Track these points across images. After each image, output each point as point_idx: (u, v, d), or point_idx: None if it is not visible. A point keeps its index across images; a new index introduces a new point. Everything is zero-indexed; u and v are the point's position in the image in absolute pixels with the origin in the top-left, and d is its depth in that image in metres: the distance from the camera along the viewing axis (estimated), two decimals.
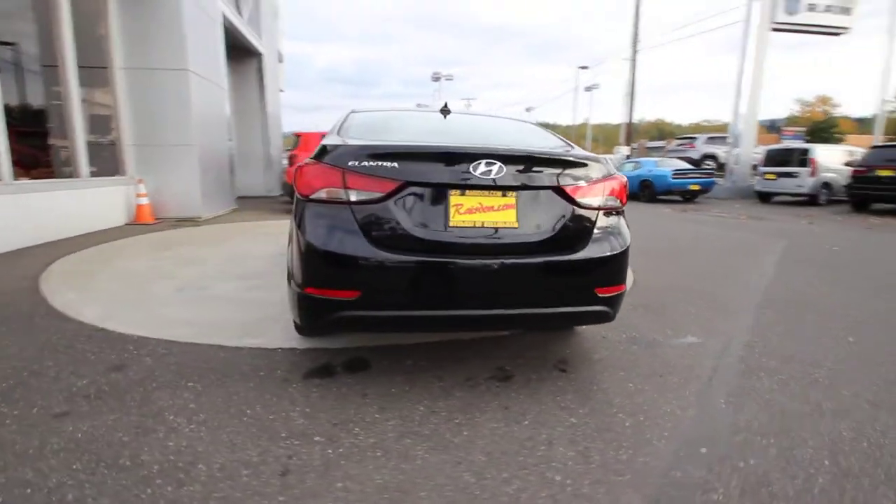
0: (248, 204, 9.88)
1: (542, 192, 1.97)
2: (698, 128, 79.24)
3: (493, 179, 1.87)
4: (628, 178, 2.84)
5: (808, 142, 20.36)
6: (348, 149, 1.91)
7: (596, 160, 2.07)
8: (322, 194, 1.89)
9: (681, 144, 20.82)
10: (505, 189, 1.92)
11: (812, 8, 13.13)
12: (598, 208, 2.05)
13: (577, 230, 2.00)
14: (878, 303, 3.55)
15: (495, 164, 1.87)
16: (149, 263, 4.43)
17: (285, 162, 9.37)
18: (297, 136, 8.66)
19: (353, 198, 1.86)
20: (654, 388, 2.15)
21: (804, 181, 11.99)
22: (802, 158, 12.17)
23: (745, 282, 4.20)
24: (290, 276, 2.10)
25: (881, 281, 4.31)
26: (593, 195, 2.03)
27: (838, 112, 63.06)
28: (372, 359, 2.38)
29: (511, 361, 2.39)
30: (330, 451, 1.63)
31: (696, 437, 1.77)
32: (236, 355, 2.40)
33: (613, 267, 2.03)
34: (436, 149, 1.96)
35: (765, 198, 13.20)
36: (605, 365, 2.39)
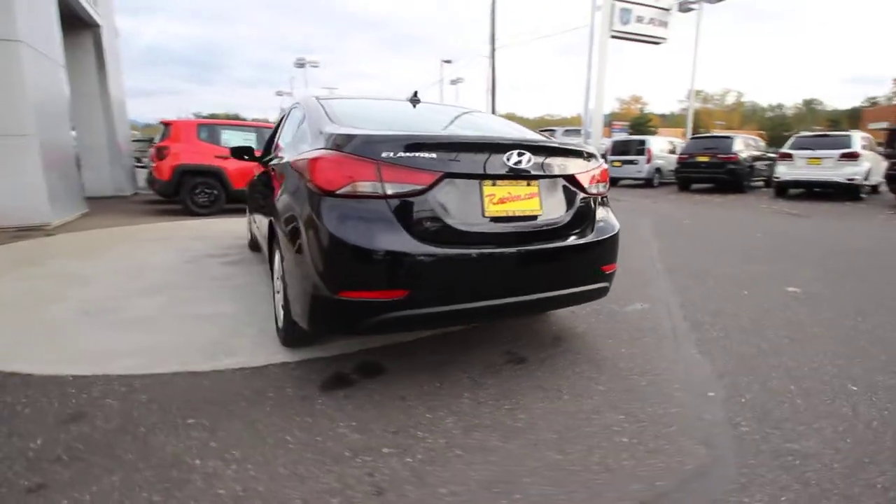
0: (100, 206, 8.21)
1: (558, 180, 2.08)
2: (542, 121, 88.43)
3: (525, 169, 1.93)
4: None
5: (630, 134, 24.22)
6: (382, 139, 1.78)
7: (593, 151, 2.26)
8: (352, 188, 1.74)
9: (542, 132, 22.90)
10: (530, 178, 1.99)
11: (640, 20, 15.60)
12: (598, 194, 2.25)
13: (585, 215, 2.17)
14: (746, 266, 4.49)
15: (525, 154, 1.93)
16: (19, 285, 3.46)
17: (146, 156, 7.96)
18: (166, 124, 7.44)
19: (390, 191, 1.75)
20: (641, 350, 2.45)
21: (642, 167, 14.30)
22: (640, 148, 14.50)
23: (641, 254, 4.93)
24: (299, 281, 1.89)
25: (737, 247, 5.44)
26: (595, 182, 2.22)
27: (647, 109, 76.02)
28: (381, 361, 2.27)
29: (514, 344, 2.49)
30: (409, 459, 1.55)
31: (698, 384, 2.10)
32: (221, 380, 2.07)
33: (613, 246, 2.26)
34: (474, 140, 1.95)
35: (613, 182, 15.42)
36: (592, 335, 2.64)
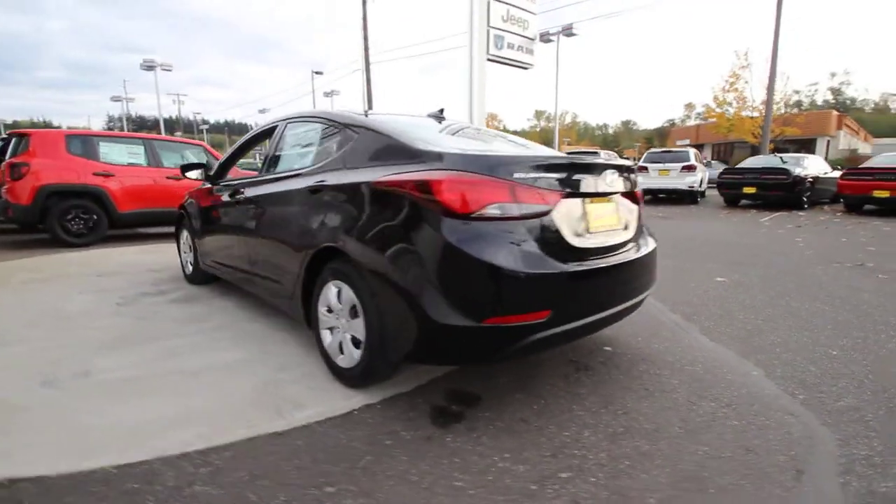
0: None
1: (625, 196, 2.27)
2: None
3: (616, 188, 2.07)
4: None
5: None
6: (514, 160, 1.75)
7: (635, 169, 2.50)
8: (489, 210, 1.68)
9: None
10: (611, 195, 2.14)
11: (511, 46, 17.10)
12: (641, 206, 2.50)
13: (642, 227, 2.40)
14: (668, 262, 5.28)
15: (615, 173, 2.07)
16: None
17: None
18: (23, 135, 5.89)
19: (524, 212, 1.73)
20: (668, 343, 2.77)
21: None
22: None
23: None
24: (415, 313, 1.74)
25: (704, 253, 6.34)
26: (641, 196, 2.46)
27: (503, 126, 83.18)
28: (465, 388, 2.19)
29: (572, 354, 2.60)
30: (593, 479, 1.56)
31: (737, 365, 2.45)
32: (316, 437, 1.79)
33: (656, 255, 2.53)
34: (586, 160, 2.02)
35: None
36: (623, 336, 2.89)
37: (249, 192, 2.91)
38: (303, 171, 2.50)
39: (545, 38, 19.11)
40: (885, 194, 9.00)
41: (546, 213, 1.79)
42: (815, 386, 2.23)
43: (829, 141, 30.02)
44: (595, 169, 2.03)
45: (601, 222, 2.06)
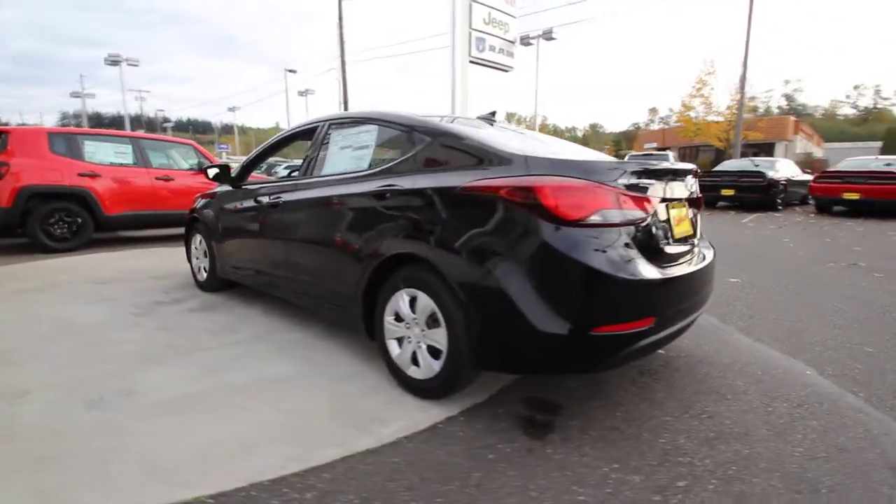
0: None
1: (690, 201, 2.29)
2: None
3: (694, 194, 2.08)
4: None
5: None
6: (615, 166, 1.73)
7: None
8: (597, 217, 1.65)
9: None
10: (684, 201, 2.15)
11: (492, 49, 17.20)
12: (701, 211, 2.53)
13: (701, 232, 2.43)
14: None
15: (691, 178, 2.08)
16: None
17: None
18: (1, 133, 5.44)
19: (628, 218, 1.71)
20: (714, 347, 2.81)
21: None
22: None
23: None
24: (515, 323, 1.69)
25: None
26: (702, 202, 2.49)
27: None
28: (544, 397, 2.14)
29: None
30: (710, 486, 1.55)
31: (791, 366, 2.52)
32: (411, 454, 1.71)
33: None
34: (675, 168, 2.01)
35: None
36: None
37: (290, 196, 2.77)
38: (359, 174, 2.40)
39: (525, 41, 19.33)
40: (854, 196, 9.54)
41: (644, 220, 1.77)
42: (868, 383, 2.32)
43: (786, 145, 31.63)
44: (677, 174, 2.03)
45: (680, 228, 2.06)
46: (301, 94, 30.78)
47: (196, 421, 1.91)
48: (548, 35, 19.97)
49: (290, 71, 29.01)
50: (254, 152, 3.47)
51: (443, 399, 2.06)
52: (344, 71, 26.79)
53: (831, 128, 55.32)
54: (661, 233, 1.86)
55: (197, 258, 3.96)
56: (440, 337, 1.95)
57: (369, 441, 1.77)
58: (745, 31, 15.87)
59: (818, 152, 37.19)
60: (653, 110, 72.28)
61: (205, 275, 3.84)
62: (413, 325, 2.07)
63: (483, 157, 1.93)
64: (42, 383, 2.20)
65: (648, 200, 1.81)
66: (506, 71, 18.69)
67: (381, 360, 2.27)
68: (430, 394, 2.05)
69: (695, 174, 2.30)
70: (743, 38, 16.97)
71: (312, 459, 1.65)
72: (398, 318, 2.14)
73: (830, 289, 4.13)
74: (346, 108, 27.38)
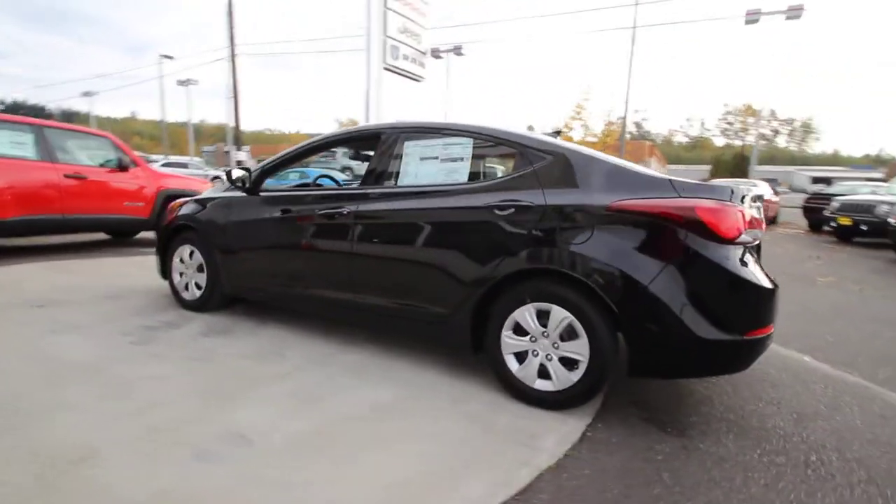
0: None
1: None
2: (262, 136, 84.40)
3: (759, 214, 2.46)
4: None
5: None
6: (739, 190, 1.98)
7: None
8: (744, 236, 1.91)
9: (323, 155, 22.00)
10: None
11: (406, 58, 17.39)
12: None
13: None
14: None
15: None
16: None
17: None
18: None
19: (753, 236, 1.99)
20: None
21: None
22: None
23: None
24: (687, 329, 1.84)
25: None
26: None
27: None
28: (644, 399, 2.33)
29: None
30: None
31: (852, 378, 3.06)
32: (592, 464, 1.77)
33: None
34: (758, 192, 2.32)
35: None
36: None
37: (358, 207, 2.57)
38: (458, 187, 2.36)
39: (435, 54, 19.85)
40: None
41: (759, 238, 2.07)
42: None
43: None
44: (757, 198, 2.39)
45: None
46: (181, 83, 27.27)
47: (349, 460, 1.71)
48: (457, 51, 20.79)
49: (167, 57, 25.58)
50: (275, 158, 3.12)
51: (570, 409, 2.13)
52: (234, 61, 24.53)
53: (670, 152, 66.14)
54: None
55: (182, 273, 3.41)
56: (579, 348, 2.02)
57: (543, 457, 1.78)
58: (627, 67, 18.35)
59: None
60: (529, 128, 78.81)
61: (197, 292, 3.32)
62: (540, 338, 2.11)
63: (617, 177, 2.06)
64: (103, 437, 1.76)
65: (758, 221, 2.12)
66: (418, 81, 19.00)
67: (479, 374, 2.26)
68: (560, 405, 2.11)
69: None
70: (615, 72, 19.59)
71: (514, 483, 1.61)
72: (519, 332, 2.16)
73: (837, 306, 5.05)
74: (236, 104, 25.02)
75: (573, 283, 2.03)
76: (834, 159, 62.13)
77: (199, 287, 3.32)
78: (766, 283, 1.94)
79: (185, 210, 3.42)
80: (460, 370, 2.51)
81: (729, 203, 1.91)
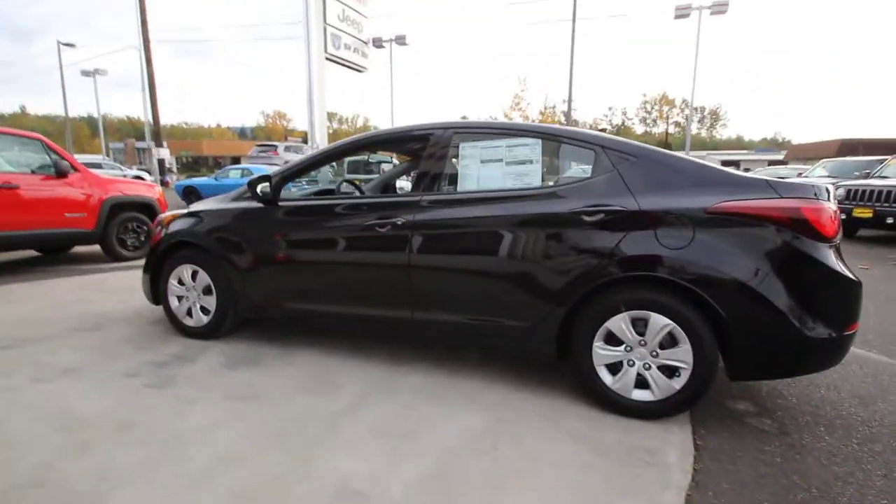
0: None
1: None
2: (178, 129, 77.85)
3: None
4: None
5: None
6: (829, 189, 2.00)
7: None
8: (839, 234, 1.94)
9: (263, 151, 20.53)
10: None
11: (347, 48, 16.50)
12: None
13: None
14: None
15: None
16: None
17: None
18: None
19: (840, 235, 2.03)
20: None
21: None
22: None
23: None
24: (796, 329, 1.86)
25: None
26: None
27: (291, 125, 78.88)
28: (721, 400, 2.35)
29: None
30: None
31: None
32: (737, 476, 1.73)
33: None
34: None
35: None
36: None
37: (415, 217, 2.33)
38: (532, 191, 2.21)
39: (378, 44, 19.24)
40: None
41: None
42: None
43: None
44: None
45: None
46: (86, 73, 23.99)
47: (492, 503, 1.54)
48: (401, 41, 20.19)
49: (67, 45, 22.34)
50: (298, 162, 2.76)
51: (666, 418, 2.09)
52: (148, 50, 22.22)
53: None
54: None
55: (182, 297, 2.96)
56: (681, 355, 1.98)
57: (676, 475, 1.72)
58: (568, 58, 18.90)
59: None
60: (464, 118, 79.39)
61: (204, 318, 2.90)
62: (637, 346, 2.05)
63: (708, 178, 2.03)
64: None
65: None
66: (360, 71, 18.22)
67: (552, 385, 2.17)
68: (658, 414, 2.06)
69: None
70: (555, 63, 20.20)
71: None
72: (611, 342, 2.08)
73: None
74: (153, 95, 22.64)
75: (672, 290, 1.98)
76: (738, 143, 68.58)
77: (205, 311, 2.90)
78: (856, 279, 2.01)
79: (178, 225, 2.97)
80: (530, 382, 2.40)
81: (827, 202, 1.94)
